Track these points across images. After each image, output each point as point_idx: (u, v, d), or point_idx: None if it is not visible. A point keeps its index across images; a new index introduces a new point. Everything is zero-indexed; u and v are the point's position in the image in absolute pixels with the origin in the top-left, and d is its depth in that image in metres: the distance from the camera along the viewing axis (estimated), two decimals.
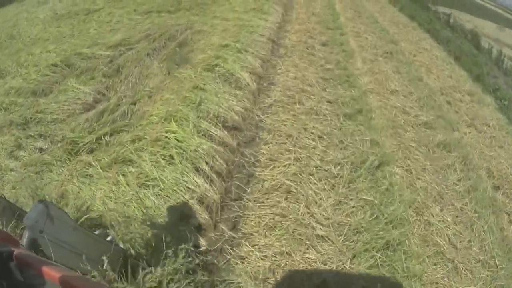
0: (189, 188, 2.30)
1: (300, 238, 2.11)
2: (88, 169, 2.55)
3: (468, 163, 3.14)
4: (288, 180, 2.45)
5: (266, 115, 3.20)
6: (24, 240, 1.02)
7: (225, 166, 2.54)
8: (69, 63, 4.25)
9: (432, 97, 4.13)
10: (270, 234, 2.15)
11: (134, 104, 3.39)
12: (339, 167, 2.63)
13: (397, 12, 8.87)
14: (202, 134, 2.73)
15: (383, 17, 7.97)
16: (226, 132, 2.79)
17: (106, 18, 6.34)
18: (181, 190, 2.28)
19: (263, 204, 2.34)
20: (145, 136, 2.78)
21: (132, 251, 1.63)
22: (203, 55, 4.05)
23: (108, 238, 1.62)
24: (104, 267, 1.29)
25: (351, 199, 2.41)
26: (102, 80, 3.90)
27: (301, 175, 2.51)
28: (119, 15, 6.41)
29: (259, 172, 2.57)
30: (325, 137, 2.92)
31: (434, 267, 2.13)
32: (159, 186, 2.30)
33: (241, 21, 5.58)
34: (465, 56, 5.99)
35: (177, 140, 2.66)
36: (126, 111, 3.28)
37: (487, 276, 2.17)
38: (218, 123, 2.84)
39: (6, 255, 0.78)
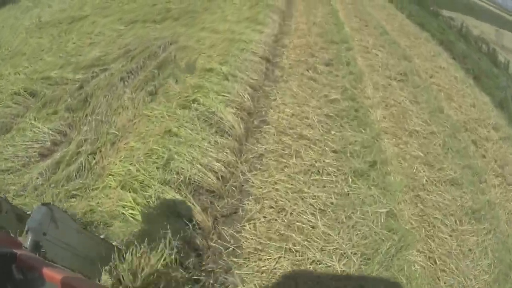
0: None
1: None
2: None
3: (498, 235, 2.48)
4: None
5: (253, 172, 2.51)
6: (27, 243, 0.97)
7: (193, 259, 1.87)
8: (34, 91, 3.61)
9: (457, 136, 3.42)
10: None
11: (94, 153, 2.70)
12: (345, 260, 1.95)
13: (405, 20, 8.05)
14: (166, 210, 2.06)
15: (391, 26, 7.17)
16: (198, 207, 2.11)
17: (89, 28, 5.68)
18: None
19: None
20: (99, 207, 2.13)
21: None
22: (181, 84, 3.34)
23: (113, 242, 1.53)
24: (108, 270, 1.26)
25: None
26: (65, 116, 3.23)
27: (294, 276, 1.84)
28: (102, 25, 5.74)
29: (240, 266, 1.90)
30: (328, 210, 2.23)
31: None
32: None
33: (232, 34, 4.85)
34: (485, 76, 5.24)
35: (134, 219, 2.00)
36: (83, 164, 2.60)
37: None
38: (188, 194, 2.15)
39: (8, 257, 0.77)
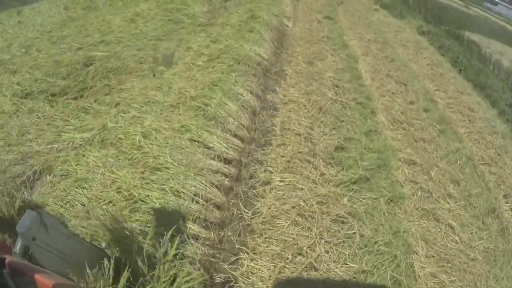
0: None
1: None
2: None
3: None
4: None
5: None
6: (17, 248, 0.95)
7: None
8: None
9: None
10: None
11: None
12: None
13: (457, 77, 5.11)
14: None
15: (445, 96, 4.28)
16: None
17: None
18: None
19: None
20: None
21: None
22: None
23: (103, 246, 1.40)
24: (97, 275, 1.18)
25: None
26: None
27: None
28: None
29: None
30: None
31: None
32: None
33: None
34: None
35: None
36: None
37: None
38: None
39: None
